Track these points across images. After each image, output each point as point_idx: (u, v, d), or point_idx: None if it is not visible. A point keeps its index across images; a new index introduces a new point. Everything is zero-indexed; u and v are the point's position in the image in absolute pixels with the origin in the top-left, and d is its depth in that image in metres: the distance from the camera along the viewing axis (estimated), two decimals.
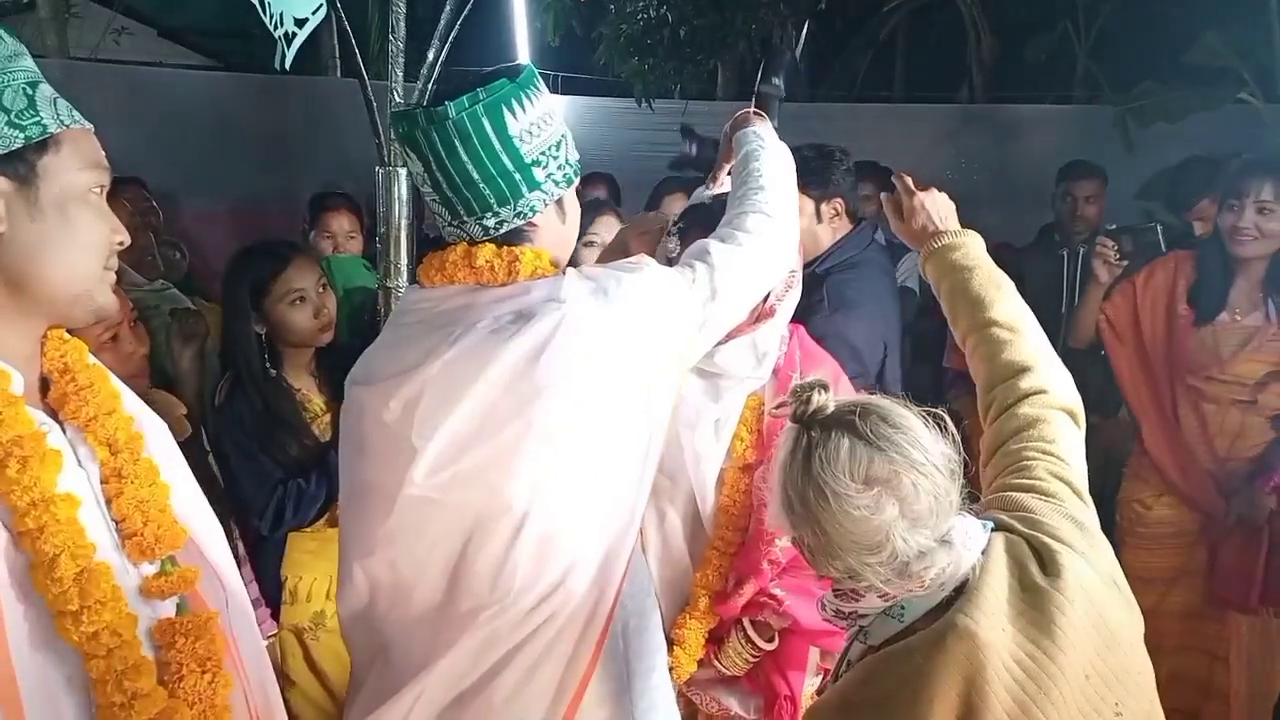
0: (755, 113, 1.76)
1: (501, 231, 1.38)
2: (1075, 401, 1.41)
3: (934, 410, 1.19)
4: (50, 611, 0.98)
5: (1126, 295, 2.75)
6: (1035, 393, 1.38)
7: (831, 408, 1.17)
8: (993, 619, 1.10)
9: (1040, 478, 1.28)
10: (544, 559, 1.37)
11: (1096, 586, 1.17)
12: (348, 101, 2.08)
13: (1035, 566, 1.16)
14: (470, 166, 1.33)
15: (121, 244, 1.09)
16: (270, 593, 2.26)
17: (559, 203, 1.42)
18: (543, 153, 1.36)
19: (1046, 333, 4.21)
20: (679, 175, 3.97)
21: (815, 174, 2.52)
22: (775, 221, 1.54)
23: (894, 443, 1.13)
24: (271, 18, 1.80)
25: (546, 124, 1.37)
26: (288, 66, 1.83)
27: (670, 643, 1.86)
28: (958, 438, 1.18)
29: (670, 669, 1.83)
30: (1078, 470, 1.33)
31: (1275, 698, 2.63)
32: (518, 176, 1.35)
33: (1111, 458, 3.65)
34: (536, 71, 1.40)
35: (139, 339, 2.15)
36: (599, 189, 3.81)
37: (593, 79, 8.29)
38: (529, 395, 1.32)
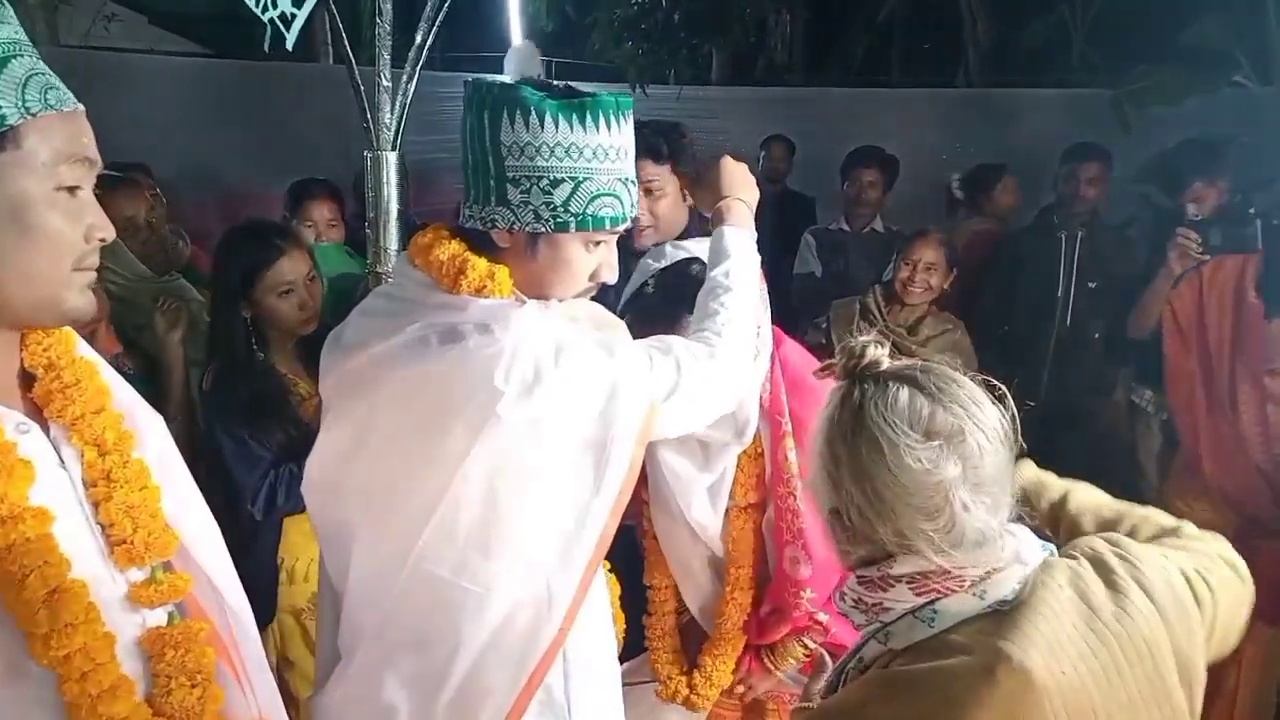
0: (739, 200, 1.63)
1: (468, 226, 1.36)
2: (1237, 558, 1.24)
3: (986, 379, 1.08)
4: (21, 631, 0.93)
5: (1193, 285, 2.65)
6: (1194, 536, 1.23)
7: (886, 363, 1.07)
8: (1051, 659, 0.97)
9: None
10: (431, 605, 1.32)
11: (1163, 642, 1.04)
12: (340, 86, 2.06)
13: (1109, 604, 1.03)
14: (466, 150, 1.33)
15: (104, 240, 1.00)
16: (267, 577, 2.24)
17: (532, 238, 1.34)
18: (527, 177, 1.29)
19: (1043, 316, 4.18)
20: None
21: (680, 152, 2.35)
22: (733, 353, 1.48)
23: (958, 399, 1.03)
24: (260, 1, 1.76)
25: (557, 155, 1.29)
26: (289, 48, 1.79)
27: (693, 667, 1.90)
28: (1015, 412, 1.07)
29: (690, 690, 1.87)
30: (1221, 599, 1.13)
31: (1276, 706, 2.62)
32: (491, 183, 1.30)
33: (1109, 441, 3.66)
34: (610, 109, 1.30)
35: (111, 340, 2.14)
36: None
37: (587, 64, 8.25)
38: (431, 423, 1.28)
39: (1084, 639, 1.00)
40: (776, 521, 1.80)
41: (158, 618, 1.06)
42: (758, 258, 1.58)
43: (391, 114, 1.99)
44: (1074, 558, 1.09)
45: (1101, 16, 7.91)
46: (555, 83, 1.37)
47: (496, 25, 6.36)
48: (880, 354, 1.08)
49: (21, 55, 0.93)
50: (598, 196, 1.32)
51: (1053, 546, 1.12)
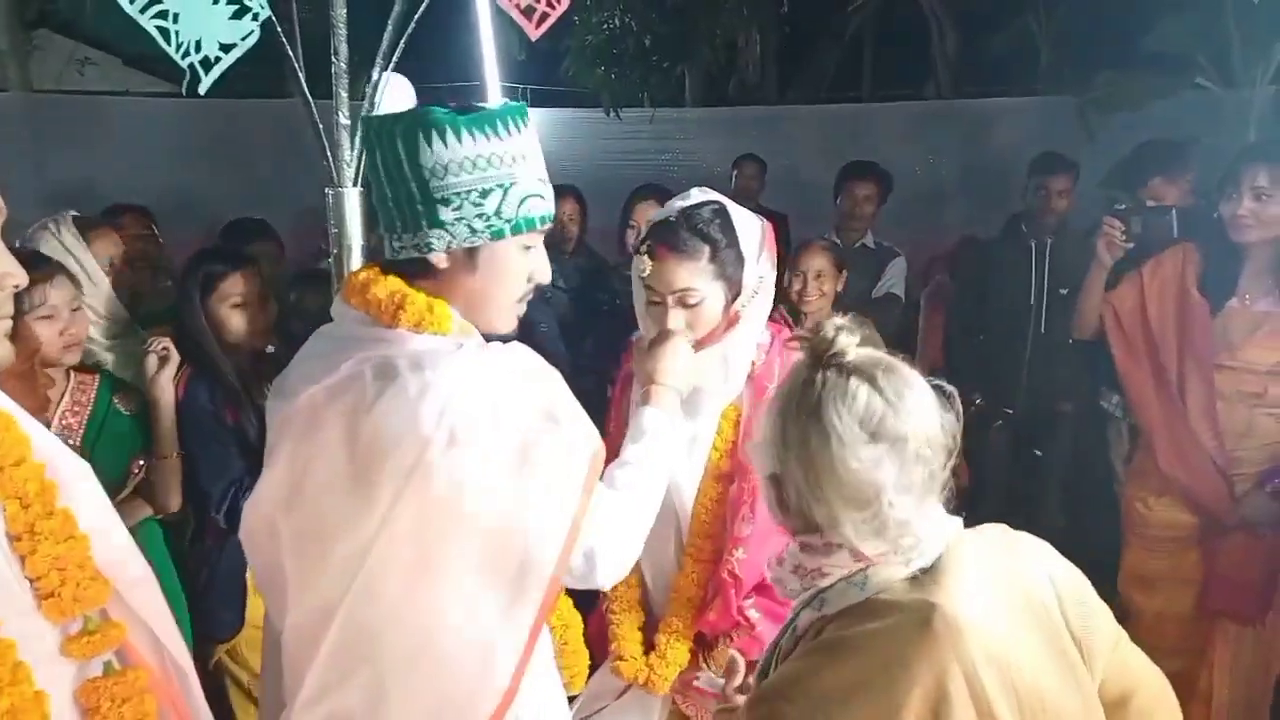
0: (671, 388, 1.63)
1: (402, 257, 1.35)
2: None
3: (939, 384, 1.15)
4: None
5: (1134, 286, 2.67)
6: None
7: (853, 354, 1.12)
8: (974, 608, 1.07)
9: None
10: (365, 657, 1.30)
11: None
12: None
13: (1013, 569, 1.14)
14: (383, 181, 1.33)
15: (17, 286, 0.98)
16: (239, 589, 2.33)
17: (470, 253, 1.34)
18: (457, 194, 1.30)
19: (1017, 324, 4.26)
20: (653, 183, 4.01)
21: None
22: (620, 526, 1.41)
23: (909, 407, 1.09)
24: (180, 46, 1.75)
25: (479, 167, 1.30)
26: (202, 92, 1.79)
27: (650, 647, 1.87)
28: (961, 416, 1.15)
29: (649, 670, 1.84)
30: (1126, 651, 1.22)
31: (1256, 705, 2.61)
32: (420, 208, 1.30)
33: (1084, 445, 3.69)
34: (516, 115, 1.34)
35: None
36: (567, 201, 3.81)
37: (561, 90, 8.31)
38: (363, 468, 1.26)
39: (994, 594, 1.10)
40: (738, 482, 1.80)
41: (94, 668, 1.04)
42: (676, 450, 1.56)
43: (351, 150, 2.01)
44: (979, 531, 1.18)
45: (1065, 25, 8.02)
46: (450, 104, 1.37)
47: (467, 56, 6.40)
48: (849, 343, 1.12)
49: None
50: (526, 198, 1.34)
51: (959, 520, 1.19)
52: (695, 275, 1.73)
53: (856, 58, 10.97)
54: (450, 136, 1.29)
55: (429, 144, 1.28)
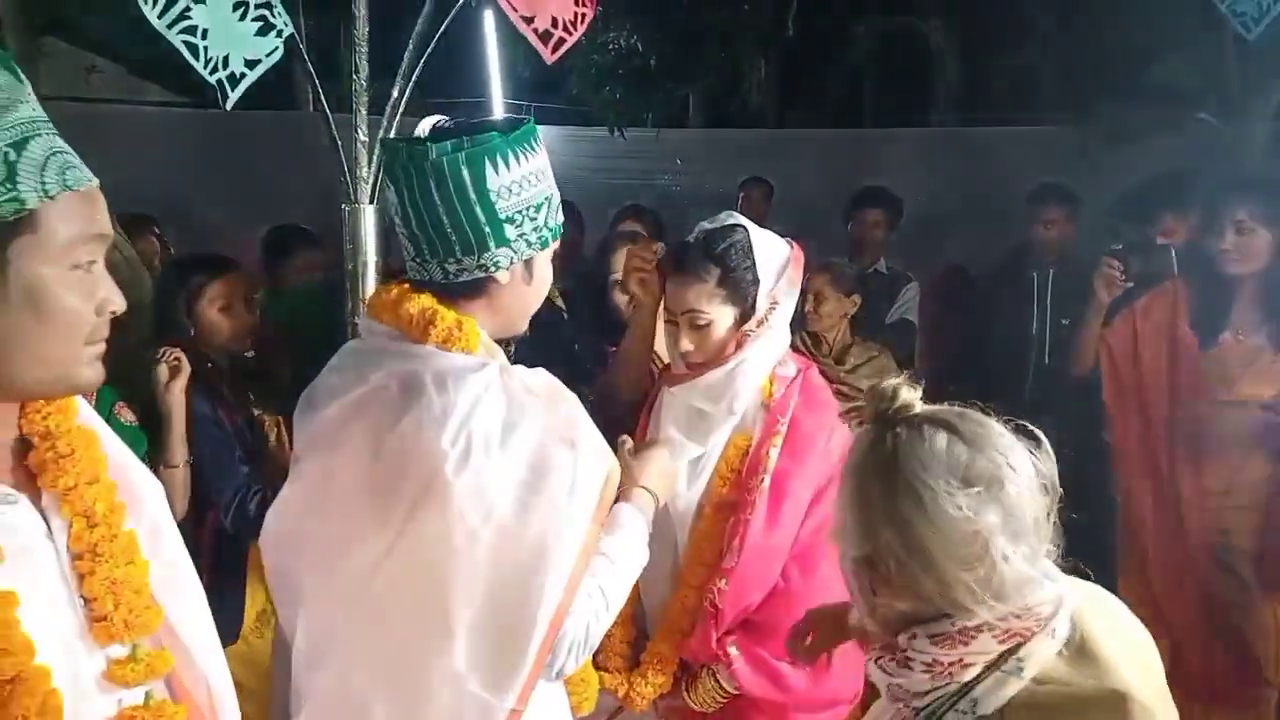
0: (649, 491, 1.62)
1: (460, 279, 1.37)
2: None
3: (1022, 423, 1.07)
4: None
5: (1127, 323, 2.72)
6: None
7: (919, 407, 1.05)
8: (1144, 686, 0.99)
9: None
10: (374, 677, 1.29)
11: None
12: (321, 136, 2.08)
13: (1131, 626, 1.11)
14: (441, 210, 1.32)
15: (114, 312, 0.98)
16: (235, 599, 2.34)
17: (527, 263, 1.40)
18: (519, 211, 1.35)
19: (1019, 354, 4.24)
20: (637, 204, 4.03)
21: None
22: (589, 618, 1.39)
23: (996, 445, 1.02)
24: (210, 62, 1.78)
25: (531, 184, 1.36)
26: (228, 107, 1.84)
27: (636, 664, 1.86)
28: (1052, 457, 1.06)
29: (629, 687, 1.83)
30: None
31: None
32: (487, 230, 1.33)
33: (1081, 478, 3.68)
34: (537, 130, 1.39)
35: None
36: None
37: (565, 108, 8.36)
38: (383, 481, 1.28)
39: (1137, 655, 1.05)
40: (737, 514, 1.79)
41: (135, 697, 1.01)
42: (645, 552, 1.55)
43: (369, 168, 2.02)
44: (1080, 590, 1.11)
45: (1069, 56, 8.08)
46: (483, 120, 1.42)
47: (474, 72, 6.45)
48: (913, 397, 1.06)
49: (40, 134, 0.92)
50: (557, 207, 1.42)
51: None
52: (702, 297, 1.76)
53: (860, 84, 11.04)
54: (512, 159, 1.34)
55: (494, 167, 1.32)
